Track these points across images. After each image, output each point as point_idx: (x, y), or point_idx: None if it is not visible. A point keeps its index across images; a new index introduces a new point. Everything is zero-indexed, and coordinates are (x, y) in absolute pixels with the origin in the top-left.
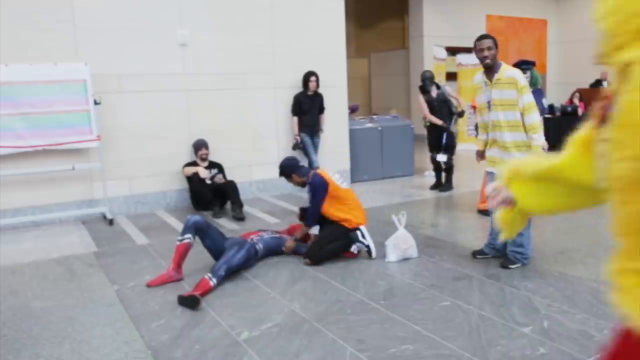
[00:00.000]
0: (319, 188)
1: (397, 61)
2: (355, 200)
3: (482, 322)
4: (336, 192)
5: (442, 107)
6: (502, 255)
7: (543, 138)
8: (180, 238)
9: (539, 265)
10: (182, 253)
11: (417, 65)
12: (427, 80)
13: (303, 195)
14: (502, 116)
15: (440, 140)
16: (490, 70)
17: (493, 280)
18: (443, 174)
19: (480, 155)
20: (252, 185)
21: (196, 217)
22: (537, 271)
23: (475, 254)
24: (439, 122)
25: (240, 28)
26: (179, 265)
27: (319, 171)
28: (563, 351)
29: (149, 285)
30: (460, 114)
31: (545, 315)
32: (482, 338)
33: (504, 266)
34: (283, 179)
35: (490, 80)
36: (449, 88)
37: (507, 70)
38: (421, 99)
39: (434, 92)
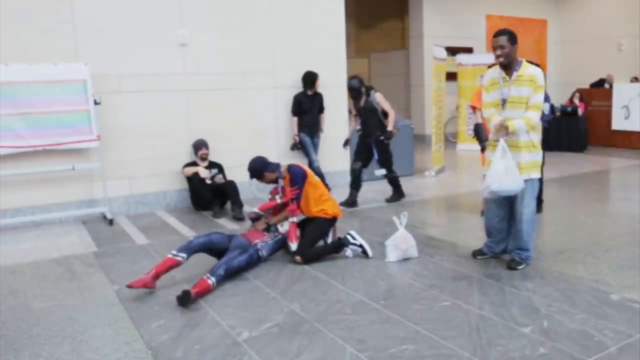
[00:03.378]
0: (300, 176)
1: (397, 61)
2: (327, 191)
3: (482, 322)
4: (312, 179)
5: (369, 117)
6: (499, 255)
7: (524, 130)
8: (174, 253)
9: (539, 265)
10: (168, 267)
11: (417, 65)
12: (353, 91)
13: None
14: (517, 114)
15: (370, 153)
16: (508, 67)
17: (493, 280)
18: (392, 187)
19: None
20: (252, 185)
21: (201, 240)
22: (537, 271)
23: (475, 254)
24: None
25: (240, 28)
26: (158, 276)
27: (294, 164)
28: (563, 351)
29: (130, 286)
30: (388, 136)
31: (545, 315)
32: (482, 338)
33: (511, 267)
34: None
35: (510, 77)
36: (379, 96)
37: (529, 68)
38: (350, 105)
39: (362, 100)
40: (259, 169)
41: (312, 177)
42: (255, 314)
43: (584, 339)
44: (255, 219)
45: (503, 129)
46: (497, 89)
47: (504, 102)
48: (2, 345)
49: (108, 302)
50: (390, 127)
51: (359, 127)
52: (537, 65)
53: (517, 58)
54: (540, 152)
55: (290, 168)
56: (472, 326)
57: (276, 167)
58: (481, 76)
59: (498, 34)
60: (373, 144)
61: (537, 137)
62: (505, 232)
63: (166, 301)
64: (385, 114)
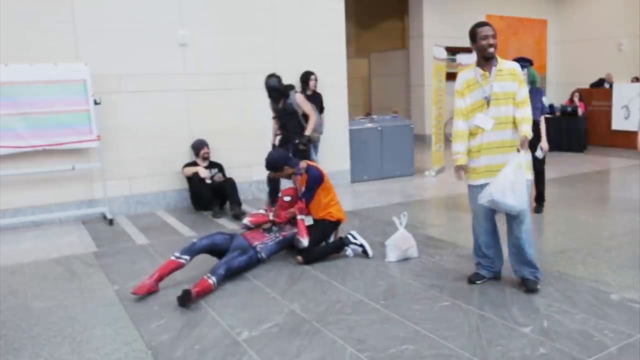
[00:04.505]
0: (317, 181)
1: (397, 61)
2: (336, 196)
3: (482, 322)
4: (327, 183)
5: (289, 121)
6: (497, 275)
7: (531, 134)
8: (177, 255)
9: (539, 265)
10: (171, 270)
11: (417, 65)
12: (272, 91)
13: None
14: (504, 111)
15: None
16: (489, 61)
17: (493, 280)
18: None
19: (462, 170)
20: (252, 185)
21: (204, 242)
22: None
23: (473, 279)
24: None
25: (240, 28)
26: (161, 279)
27: (312, 164)
28: (563, 351)
29: (134, 293)
30: (305, 141)
31: (545, 315)
32: (482, 338)
33: (531, 289)
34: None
35: (489, 73)
36: (299, 97)
37: (505, 62)
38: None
39: (281, 102)
40: (280, 161)
41: (327, 181)
42: (255, 314)
43: (584, 339)
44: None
45: (526, 142)
46: (477, 89)
47: (487, 100)
48: (2, 345)
49: (108, 302)
50: (308, 132)
51: (278, 131)
52: (530, 61)
53: None
54: (529, 152)
55: (309, 169)
56: (472, 326)
57: (296, 163)
58: None
59: (484, 23)
60: (291, 149)
61: (528, 127)
62: (495, 247)
63: (166, 301)
64: (305, 117)
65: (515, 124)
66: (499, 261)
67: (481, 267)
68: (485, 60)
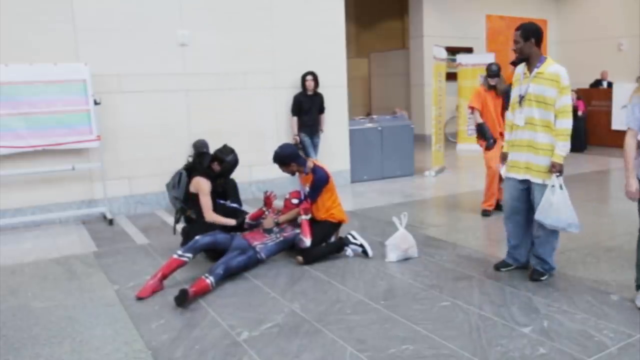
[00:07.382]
0: (323, 182)
1: (397, 61)
2: (338, 197)
3: (482, 322)
4: (331, 184)
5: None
6: (523, 265)
7: (569, 148)
8: (180, 253)
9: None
10: (174, 268)
11: (417, 65)
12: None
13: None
14: (536, 113)
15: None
16: (530, 63)
17: (493, 280)
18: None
19: (504, 157)
20: (252, 185)
21: (206, 240)
22: None
23: (499, 267)
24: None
25: (240, 28)
26: (165, 277)
27: (318, 164)
28: (563, 351)
29: (139, 297)
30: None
31: (545, 315)
32: (482, 338)
33: (533, 279)
34: (282, 174)
35: (530, 73)
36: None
37: (551, 66)
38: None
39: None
40: (289, 157)
41: (331, 182)
42: (255, 314)
43: (584, 339)
44: (254, 226)
45: (557, 166)
46: (518, 85)
47: (521, 99)
48: (2, 345)
49: (108, 302)
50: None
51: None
52: None
53: (539, 54)
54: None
55: (315, 171)
56: (472, 326)
57: (304, 162)
58: (481, 76)
59: (515, 28)
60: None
61: (564, 145)
62: (522, 239)
63: (166, 301)
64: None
65: (548, 128)
66: (526, 253)
67: (509, 255)
68: (519, 62)
